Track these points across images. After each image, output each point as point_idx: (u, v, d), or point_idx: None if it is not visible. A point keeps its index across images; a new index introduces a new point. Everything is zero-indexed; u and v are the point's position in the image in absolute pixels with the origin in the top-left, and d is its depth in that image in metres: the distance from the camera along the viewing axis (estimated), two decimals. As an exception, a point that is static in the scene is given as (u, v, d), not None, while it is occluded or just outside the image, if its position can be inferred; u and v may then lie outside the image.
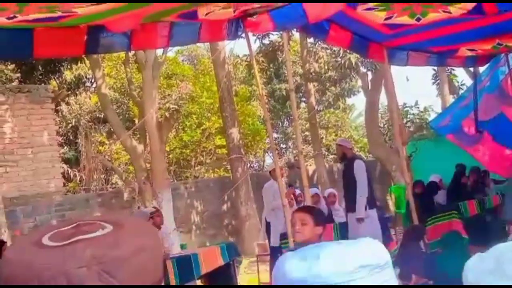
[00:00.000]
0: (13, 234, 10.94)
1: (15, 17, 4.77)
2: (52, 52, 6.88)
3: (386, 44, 9.16)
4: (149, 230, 0.91)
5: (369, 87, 16.98)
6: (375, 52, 9.53)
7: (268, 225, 9.47)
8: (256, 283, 10.10)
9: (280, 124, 27.86)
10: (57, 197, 13.09)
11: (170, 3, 5.30)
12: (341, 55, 15.66)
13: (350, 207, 8.45)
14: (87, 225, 0.87)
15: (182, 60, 26.67)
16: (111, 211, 13.74)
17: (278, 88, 25.29)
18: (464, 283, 1.41)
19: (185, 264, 7.07)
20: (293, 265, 2.02)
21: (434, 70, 19.65)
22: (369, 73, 16.86)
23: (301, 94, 24.11)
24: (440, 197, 11.68)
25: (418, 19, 7.53)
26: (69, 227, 0.88)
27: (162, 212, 8.75)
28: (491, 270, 1.34)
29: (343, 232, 8.89)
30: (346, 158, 8.67)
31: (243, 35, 8.12)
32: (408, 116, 19.66)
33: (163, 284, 0.90)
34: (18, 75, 13.20)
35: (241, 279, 9.27)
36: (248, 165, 20.24)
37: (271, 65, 20.47)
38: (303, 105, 24.42)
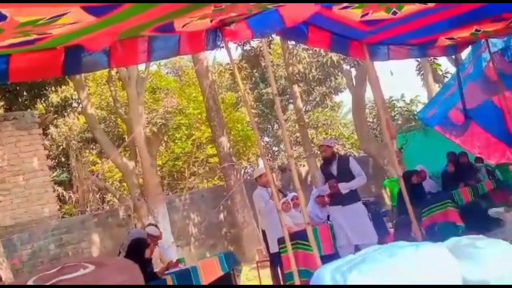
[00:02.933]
0: (12, 263, 10.89)
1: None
2: (28, 76, 6.88)
3: (366, 41, 9.19)
4: (129, 267, 0.93)
5: (354, 84, 17.03)
6: (356, 50, 9.55)
7: (263, 232, 9.49)
8: (258, 290, 10.12)
9: (270, 128, 27.89)
10: (52, 221, 13.05)
11: (148, 14, 5.29)
12: (322, 55, 15.71)
13: (348, 201, 8.62)
14: (70, 267, 0.90)
15: (167, 73, 26.68)
16: (108, 230, 13.72)
17: (265, 92, 25.32)
18: None
19: (185, 278, 7.06)
20: None
21: (417, 61, 19.73)
22: (353, 69, 16.92)
23: (288, 96, 24.14)
24: (428, 187, 11.74)
25: (395, 13, 7.57)
26: (53, 270, 0.91)
27: (159, 228, 8.73)
28: None
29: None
30: (336, 157, 8.81)
31: (223, 44, 8.13)
32: (396, 109, 19.74)
33: None
34: (2, 103, 13.15)
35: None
36: (242, 171, 20.26)
37: (255, 70, 20.50)
38: (291, 107, 24.45)
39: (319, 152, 22.78)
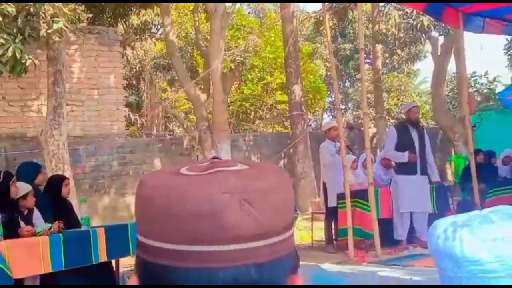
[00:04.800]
0: (75, 172, 11.23)
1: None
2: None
3: (462, 9, 8.90)
4: (284, 173, 0.91)
5: (439, 53, 16.58)
6: (450, 17, 9.27)
7: (324, 185, 9.48)
8: (309, 241, 10.17)
9: (342, 85, 27.58)
10: (120, 139, 13.36)
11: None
12: (413, 17, 15.27)
13: (424, 170, 8.70)
14: (223, 162, 0.87)
15: (249, 13, 26.53)
16: (170, 157, 13.97)
17: (342, 48, 24.96)
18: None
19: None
20: None
21: (507, 40, 18.98)
22: (441, 38, 16.44)
23: (365, 55, 23.74)
24: (504, 172, 11.43)
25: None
26: (205, 163, 0.89)
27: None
28: None
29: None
30: (419, 123, 8.88)
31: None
32: (476, 85, 19.16)
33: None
34: (89, 16, 13.33)
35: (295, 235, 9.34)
36: (307, 122, 20.18)
37: (338, 24, 20.15)
38: (367, 66, 24.05)
39: (387, 117, 22.51)
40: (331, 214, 9.17)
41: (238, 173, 0.84)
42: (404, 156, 8.54)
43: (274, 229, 0.82)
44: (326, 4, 10.09)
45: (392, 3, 16.36)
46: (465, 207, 8.87)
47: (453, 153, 16.58)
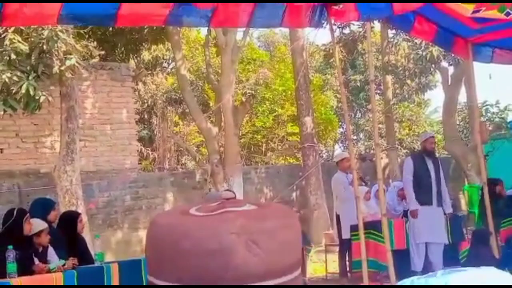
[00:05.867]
0: (88, 207, 11.26)
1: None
2: (133, 22, 7.11)
3: (472, 40, 8.94)
4: (291, 212, 0.93)
5: (449, 82, 16.60)
6: (459, 48, 9.31)
7: (337, 217, 9.46)
8: (324, 273, 10.10)
9: (353, 116, 27.59)
10: (132, 174, 13.40)
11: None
12: (422, 48, 15.34)
13: (439, 200, 8.72)
14: (232, 202, 0.89)
15: (259, 46, 26.74)
16: (183, 191, 13.97)
17: (353, 79, 25.03)
18: None
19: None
20: None
21: (517, 68, 18.97)
22: (450, 68, 16.46)
23: (376, 86, 23.78)
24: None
25: (508, 14, 7.31)
26: (213, 204, 0.91)
27: (235, 194, 8.83)
28: None
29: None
30: (435, 153, 8.88)
31: (325, 23, 8.05)
32: (488, 114, 19.11)
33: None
34: (101, 52, 13.52)
35: (308, 268, 9.28)
36: (319, 154, 20.17)
37: (348, 56, 20.25)
38: (377, 97, 24.09)
39: (399, 147, 22.48)
40: (345, 246, 9.13)
41: (245, 213, 0.86)
42: (412, 202, 8.60)
43: (281, 268, 0.83)
44: (335, 36, 10.18)
45: (401, 35, 16.45)
46: (480, 237, 8.78)
47: (466, 182, 16.48)
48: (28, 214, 5.76)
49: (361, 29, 16.42)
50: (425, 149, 8.87)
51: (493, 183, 10.34)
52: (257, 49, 24.83)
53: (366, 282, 7.84)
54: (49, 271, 5.47)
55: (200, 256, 0.81)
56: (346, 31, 17.07)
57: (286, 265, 0.85)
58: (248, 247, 0.81)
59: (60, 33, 8.84)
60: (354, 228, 8.56)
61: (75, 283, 5.48)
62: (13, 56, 8.49)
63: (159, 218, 0.90)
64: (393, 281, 7.83)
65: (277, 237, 0.84)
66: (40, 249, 5.84)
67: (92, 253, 6.75)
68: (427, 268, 8.72)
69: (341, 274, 9.26)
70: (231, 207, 0.88)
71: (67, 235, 6.54)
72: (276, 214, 0.89)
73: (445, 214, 8.86)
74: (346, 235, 8.97)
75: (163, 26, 10.67)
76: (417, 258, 8.66)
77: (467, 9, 7.29)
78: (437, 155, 8.90)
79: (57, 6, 5.36)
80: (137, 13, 5.87)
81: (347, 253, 9.17)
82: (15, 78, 8.47)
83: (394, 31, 16.56)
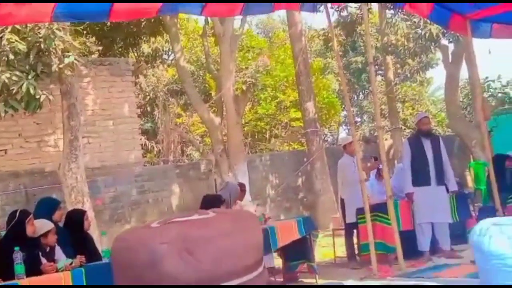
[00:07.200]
0: (94, 203, 11.30)
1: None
2: (126, 16, 7.13)
3: (469, 16, 8.88)
4: (249, 217, 0.95)
5: (450, 60, 16.53)
6: (457, 24, 9.26)
7: (342, 201, 9.46)
8: (332, 257, 10.11)
9: (355, 98, 27.53)
10: (137, 168, 13.42)
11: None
12: (421, 27, 15.26)
13: (440, 179, 8.65)
14: (184, 213, 0.94)
15: (258, 33, 26.65)
16: (188, 182, 13.99)
17: (354, 61, 24.94)
18: None
19: (264, 237, 7.12)
20: None
21: (518, 42, 18.85)
22: (450, 45, 16.37)
23: (377, 67, 23.70)
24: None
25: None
26: (170, 216, 0.96)
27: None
28: None
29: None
30: (432, 133, 8.84)
31: (322, 8, 8.04)
32: (490, 90, 19.05)
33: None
34: (99, 48, 13.52)
35: (316, 253, 9.29)
36: (323, 138, 20.15)
37: (348, 38, 20.17)
38: (379, 78, 24.01)
39: (403, 127, 22.44)
40: (350, 230, 9.16)
41: (187, 222, 0.89)
42: (407, 185, 8.67)
43: (222, 274, 0.85)
44: (332, 20, 10.13)
45: (399, 15, 16.34)
46: (486, 213, 8.78)
47: (471, 159, 16.44)
48: (31, 215, 5.76)
49: (359, 11, 16.33)
50: (420, 130, 8.88)
51: (502, 158, 10.31)
52: (255, 36, 24.75)
53: (374, 264, 7.86)
54: (57, 270, 5.49)
55: (136, 268, 0.86)
56: (344, 13, 16.99)
57: (231, 270, 0.87)
58: (181, 254, 0.84)
59: (57, 31, 8.82)
60: (360, 211, 8.57)
61: (84, 281, 5.50)
62: (11, 56, 8.49)
63: (123, 233, 0.95)
64: (401, 262, 7.86)
65: (215, 245, 0.86)
66: (48, 249, 5.86)
67: (100, 250, 6.78)
68: (435, 248, 8.73)
69: (348, 257, 9.28)
70: (179, 218, 0.93)
71: (74, 234, 6.57)
72: (227, 221, 0.91)
73: (449, 192, 8.83)
74: (351, 219, 8.99)
75: (158, 17, 10.65)
76: (422, 238, 8.65)
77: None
78: (436, 134, 8.83)
79: (51, 4, 5.37)
80: (129, 8, 5.87)
81: (353, 237, 9.19)
82: (14, 78, 8.47)
83: (392, 11, 16.46)
